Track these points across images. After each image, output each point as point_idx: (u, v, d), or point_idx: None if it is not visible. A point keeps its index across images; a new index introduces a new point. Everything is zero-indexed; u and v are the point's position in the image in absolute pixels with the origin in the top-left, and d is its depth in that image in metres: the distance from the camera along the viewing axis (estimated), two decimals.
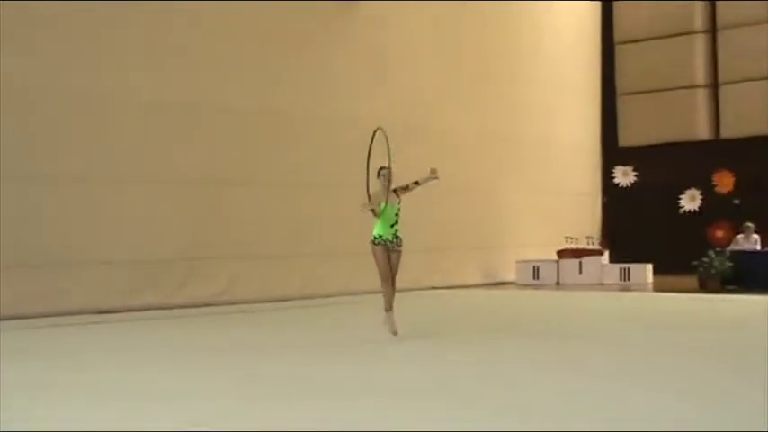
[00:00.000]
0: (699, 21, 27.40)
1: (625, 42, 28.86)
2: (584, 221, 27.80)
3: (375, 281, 20.42)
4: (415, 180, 12.55)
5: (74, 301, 16.18)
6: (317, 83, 20.55)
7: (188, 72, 18.33)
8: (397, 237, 12.32)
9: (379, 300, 12.43)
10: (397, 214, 12.25)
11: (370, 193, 12.26)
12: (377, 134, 12.64)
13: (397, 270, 12.38)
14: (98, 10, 16.89)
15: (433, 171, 12.50)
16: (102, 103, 17.00)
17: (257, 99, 19.43)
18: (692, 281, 21.42)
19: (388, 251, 12.28)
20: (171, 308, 17.19)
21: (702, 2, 27.42)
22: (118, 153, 17.23)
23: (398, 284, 20.94)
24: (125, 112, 17.37)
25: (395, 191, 12.26)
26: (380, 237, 12.28)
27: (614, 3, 29.07)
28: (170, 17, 17.99)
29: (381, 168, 12.35)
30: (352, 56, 21.36)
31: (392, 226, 12.26)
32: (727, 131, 26.93)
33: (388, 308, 12.26)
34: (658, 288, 22.41)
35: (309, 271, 20.01)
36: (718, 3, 27.15)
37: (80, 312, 15.83)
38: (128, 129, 17.43)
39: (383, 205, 12.14)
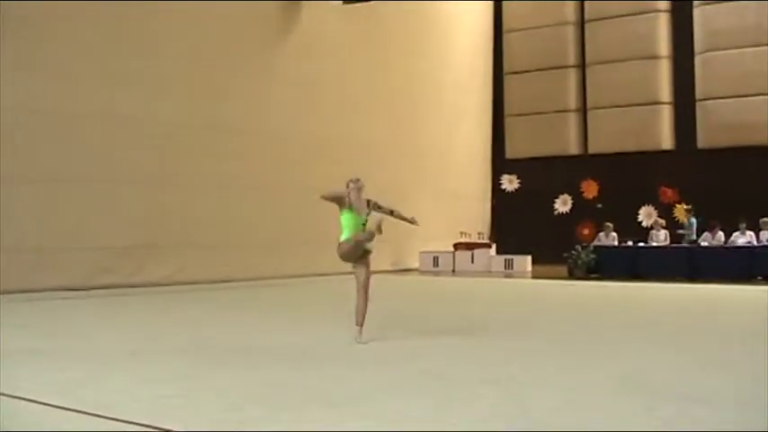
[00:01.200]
0: (572, 57, 27.91)
1: (512, 73, 29.18)
2: (477, 220, 28.06)
3: (297, 266, 20.84)
4: (392, 210, 10.01)
5: (49, 280, 16.22)
6: (255, 101, 20.72)
7: (149, 91, 18.41)
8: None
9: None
10: (363, 224, 9.49)
11: (333, 192, 9.67)
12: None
13: (364, 282, 9.54)
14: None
15: (414, 220, 10.26)
16: (76, 118, 17.10)
17: (206, 115, 19.55)
18: (563, 270, 21.80)
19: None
20: (130, 287, 17.28)
21: (575, 42, 27.96)
22: (88, 157, 17.30)
23: (323, 270, 21.45)
24: (95, 124, 17.42)
25: (368, 202, 9.71)
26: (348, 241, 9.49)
27: (504, 36, 29.39)
28: (124, 43, 18.09)
29: (352, 181, 9.71)
30: (286, 78, 21.55)
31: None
32: (594, 148, 27.38)
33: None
34: (536, 275, 22.72)
35: (245, 258, 20.12)
36: (587, 43, 27.67)
37: (52, 289, 15.87)
38: (97, 138, 17.51)
39: (347, 213, 9.51)
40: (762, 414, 5.84)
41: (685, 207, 21.90)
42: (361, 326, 9.39)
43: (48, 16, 16.62)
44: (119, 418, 5.71)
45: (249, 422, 5.65)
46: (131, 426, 5.53)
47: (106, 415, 5.78)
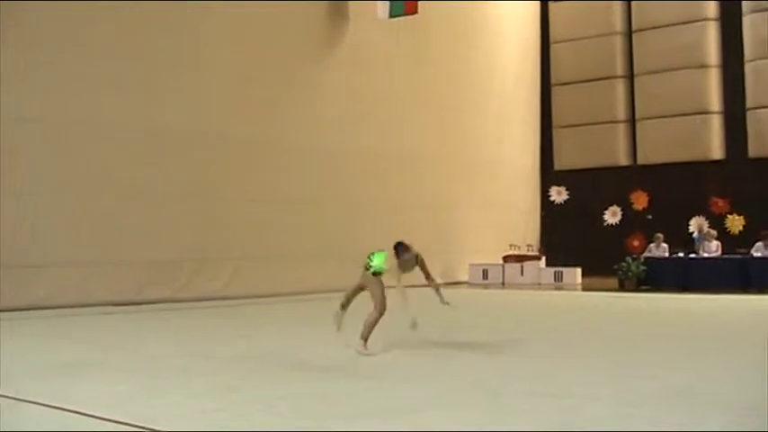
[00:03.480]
0: (620, 67, 27.67)
1: (560, 84, 28.98)
2: (526, 232, 27.85)
3: (344, 281, 20.80)
4: (433, 279, 9.88)
5: (98, 294, 16.31)
6: (302, 115, 20.77)
7: (195, 106, 18.58)
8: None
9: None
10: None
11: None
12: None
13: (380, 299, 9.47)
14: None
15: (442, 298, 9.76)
16: (125, 132, 17.28)
17: (253, 128, 19.65)
18: (613, 282, 21.53)
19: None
20: (178, 301, 17.35)
21: (622, 52, 27.74)
22: (137, 171, 17.47)
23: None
24: (144, 138, 17.61)
25: (417, 257, 9.68)
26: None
27: (552, 47, 29.23)
28: (171, 57, 18.21)
29: (403, 248, 9.64)
30: (333, 91, 21.62)
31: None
32: (643, 159, 27.03)
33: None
34: (585, 288, 22.48)
35: (293, 272, 20.06)
36: (635, 53, 27.45)
37: (101, 304, 15.92)
38: (147, 152, 17.68)
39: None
40: None
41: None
42: (366, 339, 9.37)
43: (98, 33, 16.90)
44: (164, 430, 5.70)
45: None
46: None
47: (152, 427, 5.77)
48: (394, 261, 9.54)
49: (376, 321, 9.37)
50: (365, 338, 9.37)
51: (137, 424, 5.89)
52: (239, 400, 6.87)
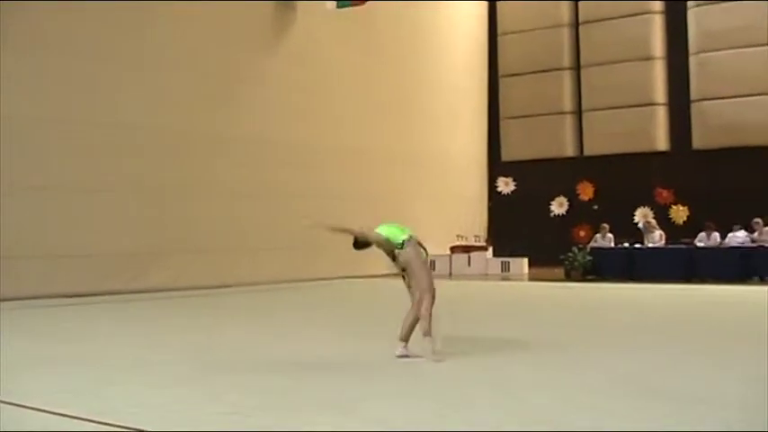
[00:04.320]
0: (567, 59, 27.94)
1: (508, 75, 29.13)
2: (473, 223, 28.02)
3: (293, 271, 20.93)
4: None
5: (52, 287, 16.22)
6: (251, 107, 20.76)
7: (148, 99, 18.49)
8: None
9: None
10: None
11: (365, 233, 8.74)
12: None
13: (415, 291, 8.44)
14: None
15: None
16: (77, 126, 17.16)
17: (204, 122, 19.61)
18: (560, 272, 21.78)
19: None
20: (133, 292, 17.30)
21: (569, 44, 28.01)
22: (90, 165, 17.38)
23: (321, 274, 21.46)
24: (95, 133, 17.46)
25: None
26: (410, 237, 8.55)
27: (499, 39, 29.34)
28: (117, 52, 18.12)
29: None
30: (280, 83, 21.60)
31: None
32: (589, 150, 27.37)
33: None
34: (532, 278, 22.70)
35: (243, 263, 20.12)
36: (582, 45, 27.73)
37: (56, 296, 15.85)
38: (99, 146, 17.56)
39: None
40: (761, 414, 5.86)
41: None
42: (406, 341, 8.30)
43: (44, 24, 16.67)
44: (122, 425, 5.71)
45: (255, 429, 5.66)
46: None
47: (108, 422, 5.78)
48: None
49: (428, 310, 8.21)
50: (427, 334, 8.16)
51: (92, 418, 5.87)
52: (192, 391, 6.89)
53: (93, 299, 16.07)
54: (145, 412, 6.12)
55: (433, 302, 8.27)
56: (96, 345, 9.95)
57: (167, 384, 7.24)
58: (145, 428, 5.61)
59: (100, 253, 17.35)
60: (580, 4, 27.79)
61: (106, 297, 16.34)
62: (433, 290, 8.35)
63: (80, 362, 8.50)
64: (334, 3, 21.91)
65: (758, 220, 20.42)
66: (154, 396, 6.72)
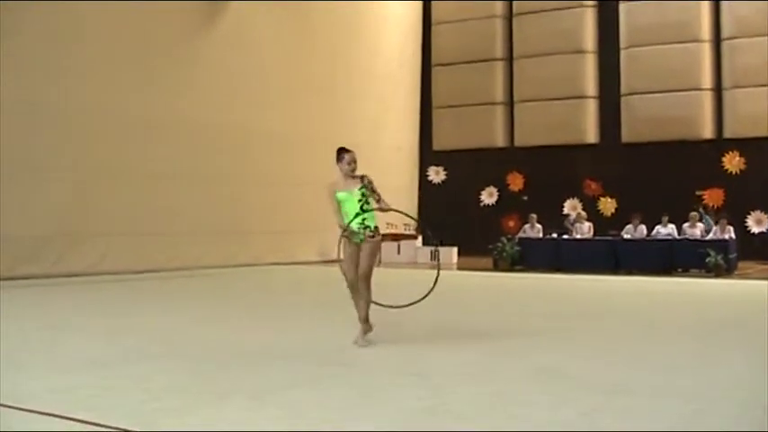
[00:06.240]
0: (499, 50, 28.07)
1: (440, 65, 29.20)
2: (403, 211, 28.01)
3: (219, 256, 20.77)
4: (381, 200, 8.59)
5: None
6: (180, 90, 20.57)
7: (70, 79, 18.21)
8: (365, 226, 8.41)
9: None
10: (360, 200, 8.40)
11: (329, 185, 8.66)
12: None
13: (364, 269, 8.40)
14: None
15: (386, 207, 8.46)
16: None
17: (129, 103, 19.37)
18: (488, 261, 21.86)
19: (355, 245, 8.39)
20: (51, 277, 17.08)
21: (502, 35, 28.16)
22: (6, 145, 17.00)
23: (246, 260, 21.33)
24: (13, 113, 17.15)
25: (362, 177, 8.52)
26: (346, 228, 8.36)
27: (433, 28, 29.36)
28: (47, 32, 17.83)
29: (343, 151, 8.68)
30: (211, 67, 21.40)
31: (357, 215, 8.36)
32: (519, 141, 27.54)
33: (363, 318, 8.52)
34: (460, 267, 22.83)
35: (168, 247, 19.96)
36: (515, 37, 27.89)
37: None
38: (16, 126, 17.22)
39: (341, 194, 8.48)
40: (675, 401, 5.98)
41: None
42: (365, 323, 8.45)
43: None
44: (34, 409, 5.63)
45: (167, 413, 5.61)
46: (45, 417, 5.45)
47: (21, 407, 5.69)
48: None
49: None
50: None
51: (2, 403, 5.79)
52: (108, 375, 6.82)
53: (13, 282, 15.79)
54: (51, 396, 6.04)
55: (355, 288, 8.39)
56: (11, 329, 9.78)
57: (78, 368, 7.16)
58: (52, 412, 5.54)
59: (18, 236, 17.01)
60: None
61: (21, 282, 16.09)
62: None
63: None
64: None
65: (694, 213, 20.80)
66: (62, 380, 6.65)
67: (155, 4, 19.84)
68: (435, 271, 8.99)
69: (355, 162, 8.54)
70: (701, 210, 21.66)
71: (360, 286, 8.36)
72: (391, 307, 8.62)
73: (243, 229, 21.66)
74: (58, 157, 17.95)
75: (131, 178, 19.41)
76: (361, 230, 8.36)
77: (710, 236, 20.23)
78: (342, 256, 8.42)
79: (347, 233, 8.32)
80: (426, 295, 8.70)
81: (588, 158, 26.20)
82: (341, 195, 8.44)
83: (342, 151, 8.65)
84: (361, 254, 8.34)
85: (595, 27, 26.85)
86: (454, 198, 27.65)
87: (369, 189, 8.42)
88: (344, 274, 8.43)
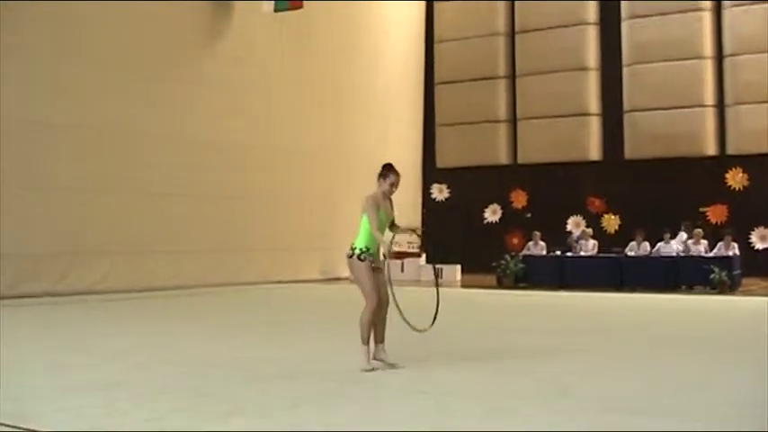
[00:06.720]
0: (502, 68, 28.15)
1: (443, 83, 29.26)
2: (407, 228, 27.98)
3: (222, 275, 20.74)
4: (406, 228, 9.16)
5: None
6: (183, 107, 20.57)
7: (74, 96, 18.21)
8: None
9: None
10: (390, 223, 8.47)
11: (370, 197, 8.60)
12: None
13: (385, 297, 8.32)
14: None
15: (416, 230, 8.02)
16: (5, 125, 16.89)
17: (133, 120, 19.37)
18: (492, 279, 21.83)
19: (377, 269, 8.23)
20: (54, 295, 17.03)
21: (505, 53, 28.24)
22: (11, 164, 17.02)
23: (249, 278, 21.32)
24: (17, 131, 17.14)
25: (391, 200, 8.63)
26: (368, 250, 8.22)
27: (435, 46, 29.47)
28: (51, 48, 17.87)
29: (392, 171, 8.65)
30: (215, 84, 21.46)
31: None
32: (523, 158, 27.60)
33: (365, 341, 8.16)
34: (464, 285, 22.68)
35: (171, 265, 19.90)
36: (517, 54, 27.98)
37: None
38: (21, 144, 17.23)
39: (380, 214, 8.43)
40: (681, 421, 5.98)
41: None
42: (367, 344, 8.11)
43: None
44: (41, 430, 5.63)
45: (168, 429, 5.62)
46: None
47: (28, 427, 5.69)
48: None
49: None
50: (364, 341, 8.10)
51: (8, 423, 5.79)
52: (115, 395, 6.82)
53: (18, 301, 15.79)
54: (57, 415, 6.04)
55: (375, 310, 8.22)
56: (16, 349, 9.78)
57: (84, 387, 7.16)
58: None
59: (20, 254, 16.99)
60: (516, 13, 28.06)
61: (25, 300, 16.07)
62: (375, 297, 8.20)
63: None
64: (272, 4, 21.87)
65: (699, 230, 20.78)
66: (68, 400, 6.64)
67: (158, 20, 19.95)
68: (435, 290, 8.90)
69: (397, 187, 8.47)
70: (683, 224, 21.48)
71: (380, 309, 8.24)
72: (415, 329, 8.44)
73: (247, 247, 21.64)
74: (61, 175, 17.92)
75: (134, 196, 19.38)
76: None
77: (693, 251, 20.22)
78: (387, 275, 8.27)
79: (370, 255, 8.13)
80: (434, 321, 8.72)
81: (591, 175, 26.24)
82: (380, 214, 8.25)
83: (391, 170, 8.52)
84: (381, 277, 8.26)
85: (598, 44, 26.92)
86: (457, 215, 27.65)
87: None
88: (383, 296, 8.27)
